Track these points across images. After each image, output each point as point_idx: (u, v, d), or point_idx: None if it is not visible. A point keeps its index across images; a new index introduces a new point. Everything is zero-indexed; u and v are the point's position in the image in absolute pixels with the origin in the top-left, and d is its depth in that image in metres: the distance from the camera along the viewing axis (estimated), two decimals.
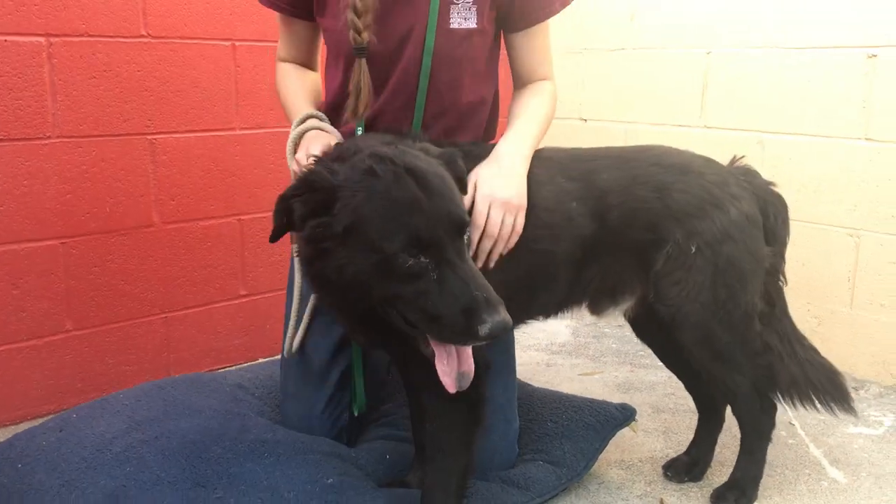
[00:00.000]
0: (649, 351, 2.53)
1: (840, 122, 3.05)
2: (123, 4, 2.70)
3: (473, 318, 1.51)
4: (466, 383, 1.64)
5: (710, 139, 3.39)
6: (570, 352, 3.45)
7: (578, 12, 3.79)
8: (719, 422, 2.44)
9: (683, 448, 2.59)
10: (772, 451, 2.55)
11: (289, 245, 2.17)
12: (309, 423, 2.29)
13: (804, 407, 2.26)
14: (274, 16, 2.26)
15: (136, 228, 2.84)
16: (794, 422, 2.77)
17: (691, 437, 2.64)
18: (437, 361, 1.62)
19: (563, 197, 2.05)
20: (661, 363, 2.54)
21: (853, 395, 2.98)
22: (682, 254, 2.04)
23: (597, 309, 2.27)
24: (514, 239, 1.96)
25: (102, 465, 1.93)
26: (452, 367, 1.62)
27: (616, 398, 2.79)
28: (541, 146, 2.18)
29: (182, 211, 2.94)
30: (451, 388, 1.62)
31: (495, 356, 2.34)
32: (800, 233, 3.19)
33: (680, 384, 2.53)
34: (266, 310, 3.22)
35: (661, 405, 2.90)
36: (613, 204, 2.05)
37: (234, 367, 2.97)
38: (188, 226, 2.97)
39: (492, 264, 1.95)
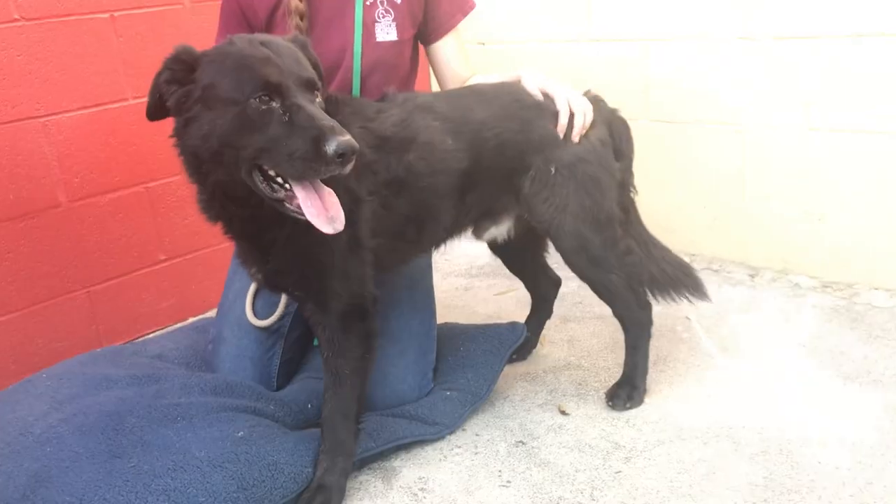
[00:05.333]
0: (561, 262, 2.53)
1: (718, 22, 3.13)
2: None
3: (321, 141, 1.68)
4: (340, 225, 1.79)
5: (598, 49, 3.48)
6: (487, 273, 3.60)
7: None
8: (548, 312, 2.88)
9: (586, 355, 2.80)
10: (666, 347, 2.77)
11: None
12: (241, 364, 2.50)
13: (665, 300, 2.52)
14: None
15: (43, 210, 2.90)
16: (689, 316, 2.96)
17: (594, 343, 2.88)
18: (304, 209, 1.76)
19: (441, 136, 2.20)
20: (573, 274, 2.65)
21: (749, 282, 3.21)
22: (544, 175, 2.27)
23: (479, 232, 2.49)
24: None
25: (26, 448, 2.06)
26: (320, 210, 1.78)
27: (527, 312, 2.94)
28: (415, 93, 2.37)
29: (88, 187, 3.00)
30: (325, 228, 1.77)
31: (414, 292, 2.55)
32: (691, 135, 3.35)
33: (587, 293, 2.63)
34: (188, 271, 3.32)
35: (569, 315, 3.08)
36: (489, 136, 2.24)
37: (157, 335, 3.08)
38: (96, 200, 3.03)
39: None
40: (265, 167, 1.79)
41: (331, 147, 1.67)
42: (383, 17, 2.41)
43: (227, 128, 1.75)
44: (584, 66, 3.51)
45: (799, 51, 2.98)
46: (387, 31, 2.41)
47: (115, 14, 2.99)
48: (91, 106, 2.98)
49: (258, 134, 1.74)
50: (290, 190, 1.79)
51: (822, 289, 3.08)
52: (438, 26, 2.53)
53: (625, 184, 2.45)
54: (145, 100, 2.98)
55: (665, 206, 3.49)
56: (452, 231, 2.39)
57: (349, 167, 1.73)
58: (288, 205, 1.80)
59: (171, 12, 3.14)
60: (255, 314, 2.52)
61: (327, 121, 1.72)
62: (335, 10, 2.38)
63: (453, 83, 2.59)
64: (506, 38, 3.82)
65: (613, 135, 2.40)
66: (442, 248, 2.45)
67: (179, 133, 1.84)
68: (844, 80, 2.90)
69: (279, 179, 1.80)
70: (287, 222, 1.89)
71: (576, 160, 2.28)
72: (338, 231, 1.79)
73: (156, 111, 1.87)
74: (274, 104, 1.74)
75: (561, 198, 2.28)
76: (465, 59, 2.61)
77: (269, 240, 1.99)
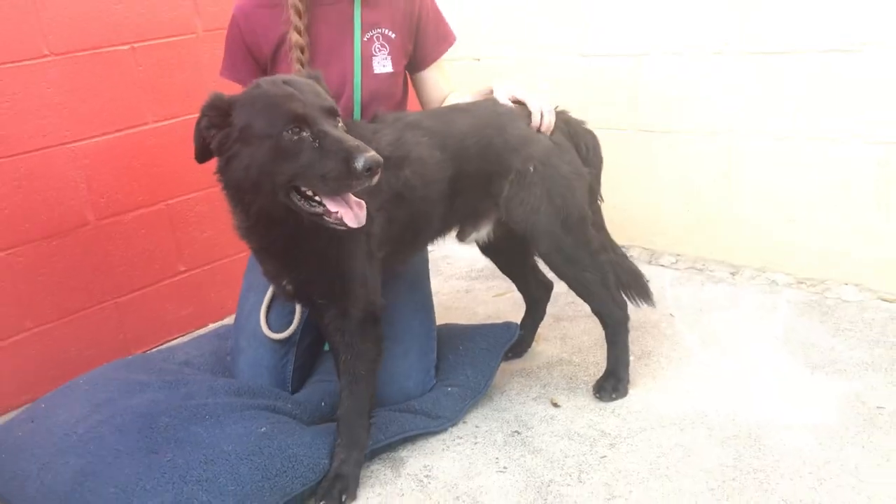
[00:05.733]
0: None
1: (706, 35, 3.37)
2: (21, 29, 2.93)
3: (350, 160, 1.94)
4: (363, 220, 2.04)
5: (589, 63, 3.73)
6: (486, 276, 3.83)
7: None
8: (541, 313, 3.12)
9: (577, 351, 3.03)
10: (651, 342, 3.00)
11: (216, 221, 2.94)
12: (258, 372, 2.73)
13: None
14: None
15: (74, 229, 3.14)
16: (673, 313, 3.20)
17: (585, 340, 3.10)
18: (343, 217, 2.02)
19: (430, 150, 2.45)
20: (560, 279, 2.91)
21: (730, 279, 3.44)
22: (522, 177, 2.51)
23: (462, 235, 2.75)
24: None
25: (71, 447, 2.30)
26: (348, 213, 2.03)
27: (524, 312, 3.17)
28: (403, 112, 2.64)
29: (113, 206, 3.24)
30: (355, 224, 2.03)
31: (414, 299, 2.80)
32: (676, 142, 3.58)
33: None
34: (206, 281, 3.56)
35: (562, 314, 3.31)
36: (470, 143, 2.50)
37: (182, 341, 3.32)
38: (121, 218, 3.27)
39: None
40: (302, 188, 2.03)
41: (359, 163, 1.92)
42: (379, 51, 2.66)
43: (264, 159, 2.00)
44: (577, 79, 3.74)
45: (778, 65, 3.20)
46: (383, 64, 2.67)
47: (135, 45, 3.23)
48: (114, 131, 3.21)
49: (293, 161, 1.99)
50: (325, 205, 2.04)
51: (798, 285, 3.31)
52: (425, 56, 2.78)
53: (592, 191, 2.69)
54: (164, 123, 3.32)
55: (653, 208, 3.73)
56: (442, 231, 2.67)
57: (376, 178, 1.98)
58: (327, 218, 2.05)
59: (185, 41, 3.38)
60: (269, 327, 2.75)
61: (353, 141, 1.97)
62: (334, 44, 2.62)
63: (437, 103, 2.84)
64: (500, 53, 4.05)
65: (580, 145, 2.64)
66: (432, 245, 2.74)
67: (223, 170, 2.09)
68: (819, 91, 3.12)
69: (316, 197, 2.04)
70: (320, 237, 2.16)
71: (549, 153, 2.53)
72: (361, 224, 2.03)
73: (202, 154, 2.12)
74: (304, 133, 1.99)
75: (535, 199, 2.52)
76: (447, 81, 2.86)
77: (302, 254, 2.24)
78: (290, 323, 2.75)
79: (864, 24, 2.97)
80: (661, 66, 3.54)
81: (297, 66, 2.55)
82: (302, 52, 2.56)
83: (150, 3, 3.25)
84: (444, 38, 2.81)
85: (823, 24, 3.06)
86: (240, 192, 2.10)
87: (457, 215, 2.61)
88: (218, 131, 2.06)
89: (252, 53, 2.67)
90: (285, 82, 2.08)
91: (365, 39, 2.64)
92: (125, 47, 3.21)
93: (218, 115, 2.06)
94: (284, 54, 2.61)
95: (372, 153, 1.93)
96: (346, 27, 2.63)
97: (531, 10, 3.87)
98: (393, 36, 2.67)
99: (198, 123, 2.08)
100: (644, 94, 3.60)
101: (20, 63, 2.94)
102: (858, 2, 2.96)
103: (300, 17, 2.54)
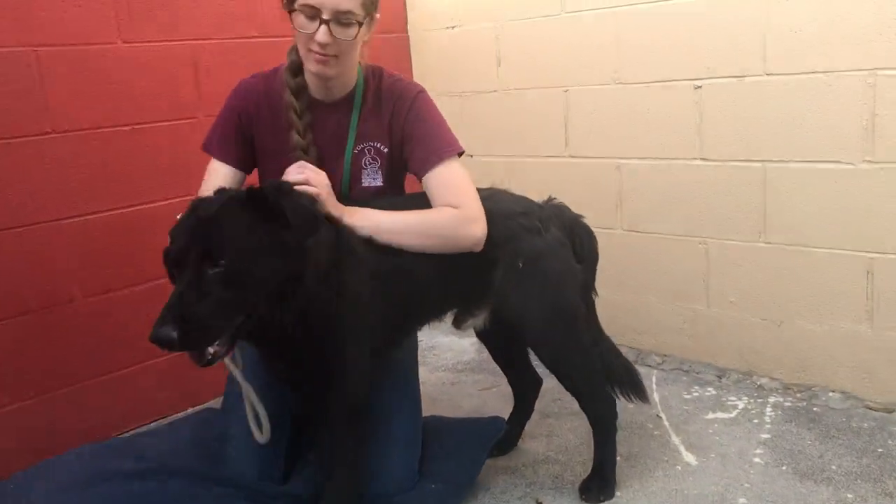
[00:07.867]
0: (539, 362, 2.78)
1: (680, 145, 3.46)
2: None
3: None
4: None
5: (575, 166, 3.82)
6: (473, 369, 3.82)
7: (454, 59, 4.18)
8: (529, 409, 3.09)
9: (563, 450, 2.99)
10: (637, 443, 2.97)
11: None
12: (248, 457, 2.66)
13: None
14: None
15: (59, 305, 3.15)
16: (661, 414, 3.18)
17: (571, 438, 3.06)
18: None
19: None
20: (551, 373, 2.86)
21: (717, 382, 3.43)
22: (512, 269, 2.51)
23: (458, 322, 2.72)
24: None
25: None
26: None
27: (510, 408, 3.14)
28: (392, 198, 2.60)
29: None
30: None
31: (401, 388, 2.75)
32: (658, 245, 3.62)
33: (564, 390, 2.82)
34: (185, 367, 3.51)
35: (548, 410, 3.28)
36: None
37: (160, 425, 3.27)
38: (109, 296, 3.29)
39: None
40: None
41: (151, 334, 1.91)
42: (370, 164, 2.60)
43: None
44: (564, 179, 3.82)
45: (749, 174, 3.29)
46: (373, 178, 2.60)
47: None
48: (124, 206, 3.27)
49: None
50: None
51: (784, 390, 3.31)
52: (419, 169, 2.55)
53: (586, 285, 2.69)
54: (158, 204, 3.34)
55: (638, 309, 3.76)
56: (435, 316, 2.67)
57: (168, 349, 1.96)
58: None
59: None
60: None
61: (167, 306, 1.92)
62: (327, 152, 2.56)
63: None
64: (492, 152, 4.14)
65: (574, 239, 2.64)
66: (428, 326, 2.71)
67: None
68: (791, 199, 3.20)
69: None
70: (308, 335, 2.20)
71: (538, 255, 2.51)
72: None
73: None
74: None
75: (525, 292, 2.51)
76: (444, 192, 2.50)
77: (294, 345, 2.23)
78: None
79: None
80: (638, 172, 3.63)
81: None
82: (305, 152, 2.51)
83: (154, 90, 3.36)
84: (430, 156, 2.51)
85: (817, 139, 3.14)
86: None
87: (451, 299, 2.62)
88: None
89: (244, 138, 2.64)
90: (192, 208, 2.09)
91: (356, 151, 2.59)
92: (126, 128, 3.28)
93: None
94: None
95: (157, 330, 1.89)
96: (341, 136, 2.58)
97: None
98: (385, 150, 2.60)
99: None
100: (626, 196, 3.68)
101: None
102: (846, 126, 3.05)
103: (299, 118, 2.52)
